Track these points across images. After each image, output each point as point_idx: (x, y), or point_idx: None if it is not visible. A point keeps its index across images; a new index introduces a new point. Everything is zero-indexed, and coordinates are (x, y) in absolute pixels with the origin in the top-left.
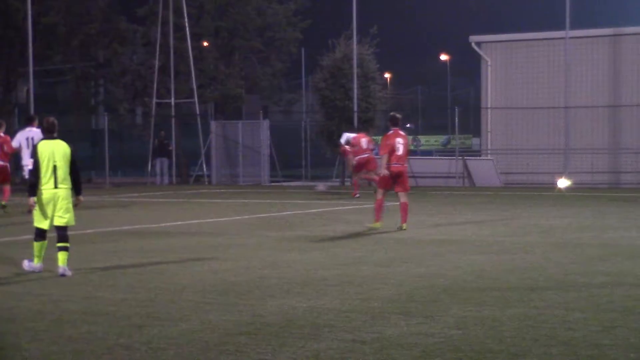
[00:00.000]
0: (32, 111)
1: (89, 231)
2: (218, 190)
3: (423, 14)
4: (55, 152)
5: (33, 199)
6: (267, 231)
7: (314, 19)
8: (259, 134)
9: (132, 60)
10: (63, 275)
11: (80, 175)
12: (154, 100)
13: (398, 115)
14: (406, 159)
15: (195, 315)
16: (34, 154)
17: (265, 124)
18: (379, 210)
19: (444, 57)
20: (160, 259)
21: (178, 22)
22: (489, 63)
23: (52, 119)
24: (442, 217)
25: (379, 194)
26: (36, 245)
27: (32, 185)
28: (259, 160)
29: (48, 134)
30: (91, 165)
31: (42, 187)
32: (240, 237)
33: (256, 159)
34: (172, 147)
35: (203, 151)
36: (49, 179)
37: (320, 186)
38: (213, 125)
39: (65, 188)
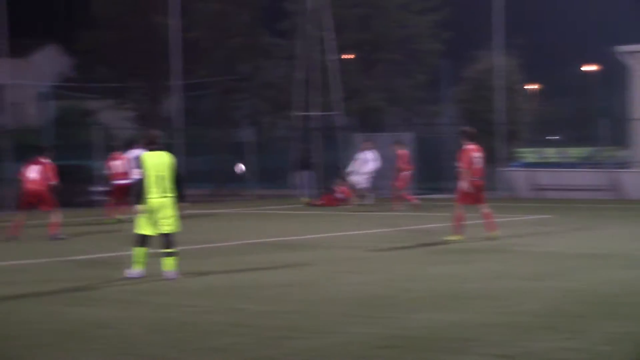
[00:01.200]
0: (177, 124)
1: (234, 243)
2: (360, 203)
3: (566, 24)
4: (160, 163)
5: (139, 207)
6: (410, 243)
7: (455, 30)
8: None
9: (275, 73)
10: (171, 279)
11: (182, 185)
12: (297, 113)
13: (473, 130)
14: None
15: (340, 328)
16: (141, 165)
17: (408, 137)
18: (459, 222)
19: (588, 67)
20: (303, 272)
21: (320, 36)
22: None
23: (156, 131)
24: (589, 231)
25: (459, 209)
26: (138, 250)
27: (138, 194)
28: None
29: (152, 146)
30: (233, 178)
31: (149, 197)
32: (382, 250)
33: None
34: (314, 159)
35: (345, 164)
36: (155, 188)
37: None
38: (356, 137)
39: (171, 197)
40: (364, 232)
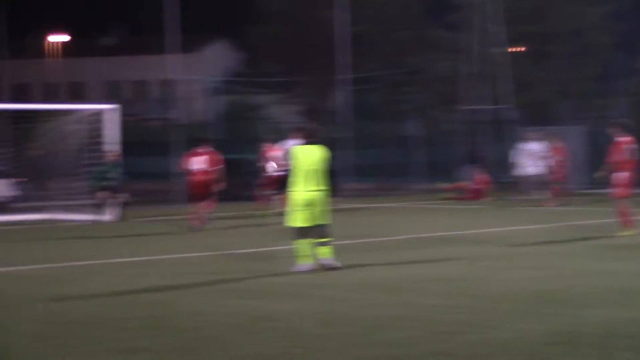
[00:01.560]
0: (343, 119)
1: (399, 237)
2: (530, 198)
3: None
4: (313, 156)
5: (284, 197)
6: (573, 238)
7: (629, 22)
8: (573, 140)
9: (443, 66)
10: (329, 266)
11: (334, 179)
12: (465, 106)
13: (627, 122)
14: None
15: (510, 323)
16: (292, 158)
17: (577, 130)
18: (627, 216)
19: None
20: (469, 266)
21: (490, 28)
22: None
23: (314, 125)
24: None
25: (622, 203)
26: (300, 244)
27: (286, 186)
28: (573, 166)
29: (309, 139)
30: (400, 172)
31: (301, 190)
32: (550, 245)
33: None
34: (483, 154)
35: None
36: (307, 181)
37: None
38: (527, 131)
39: (321, 190)
40: (527, 227)
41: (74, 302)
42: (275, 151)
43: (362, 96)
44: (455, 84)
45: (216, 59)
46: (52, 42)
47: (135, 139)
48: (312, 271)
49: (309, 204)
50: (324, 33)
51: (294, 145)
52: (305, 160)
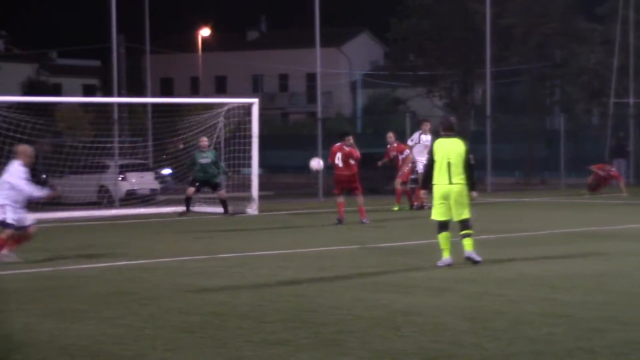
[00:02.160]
0: (488, 112)
1: (541, 232)
2: None
3: None
4: (450, 150)
5: (424, 192)
6: None
7: None
8: None
9: (590, 59)
10: (472, 259)
11: (473, 173)
12: (612, 100)
13: None
14: None
15: None
16: (430, 151)
17: None
18: None
19: None
20: (614, 262)
21: (638, 19)
22: None
23: (451, 118)
24: None
25: None
26: (440, 237)
27: (425, 179)
28: None
29: (447, 132)
30: (545, 166)
31: (438, 183)
32: None
33: None
34: (630, 148)
35: None
36: (444, 174)
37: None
38: None
39: (459, 184)
40: None
41: (217, 294)
42: (403, 146)
43: (506, 90)
44: (603, 78)
45: (359, 53)
46: (196, 36)
47: (278, 133)
48: (453, 265)
49: (447, 198)
50: (468, 26)
51: (423, 137)
52: (444, 153)
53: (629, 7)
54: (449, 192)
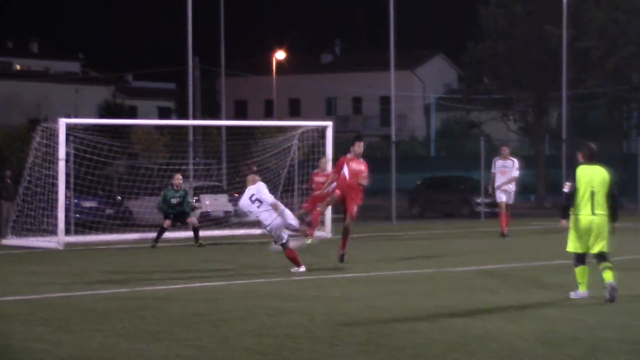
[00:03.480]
0: (563, 136)
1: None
2: None
3: None
4: (593, 178)
5: (565, 222)
6: None
7: None
8: None
9: None
10: (612, 290)
11: (617, 202)
12: None
13: None
14: None
15: None
16: (572, 178)
17: None
18: None
19: None
20: None
21: None
22: None
23: (592, 145)
24: None
25: None
26: (577, 271)
27: (565, 208)
28: None
29: (587, 160)
30: (622, 191)
31: (579, 214)
32: None
33: None
34: None
35: None
36: (586, 204)
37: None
38: None
39: (601, 214)
40: None
41: (291, 316)
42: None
43: (582, 113)
44: None
45: (433, 76)
46: (271, 59)
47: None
48: (585, 298)
49: (589, 230)
50: (544, 49)
51: (499, 162)
52: (587, 181)
53: None
54: (590, 223)
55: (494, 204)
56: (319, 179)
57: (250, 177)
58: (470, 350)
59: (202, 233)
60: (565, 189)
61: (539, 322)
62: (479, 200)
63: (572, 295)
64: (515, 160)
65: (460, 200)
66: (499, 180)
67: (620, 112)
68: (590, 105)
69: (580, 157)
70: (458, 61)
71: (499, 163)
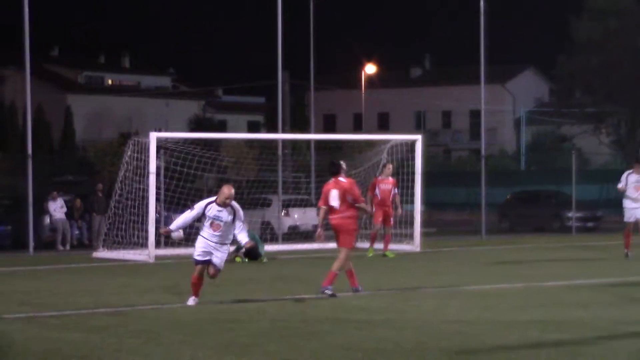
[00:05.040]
0: None
1: None
2: None
3: None
4: None
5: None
6: None
7: None
8: None
9: None
10: None
11: None
12: None
13: None
14: None
15: None
16: None
17: None
18: None
19: None
20: None
21: None
22: None
23: None
24: None
25: None
26: None
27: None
28: None
29: None
30: None
31: None
32: None
33: None
34: None
35: None
36: None
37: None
38: None
39: None
40: None
41: (379, 330)
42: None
43: None
44: None
45: (524, 89)
46: (360, 73)
47: (441, 169)
48: None
49: None
50: (638, 63)
51: (632, 178)
52: None
53: None
54: None
55: (585, 219)
56: (385, 186)
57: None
58: None
59: (291, 247)
60: None
61: (629, 338)
62: (570, 215)
63: None
64: None
65: (551, 214)
66: (633, 194)
67: None
68: None
69: None
70: (549, 75)
71: (632, 178)
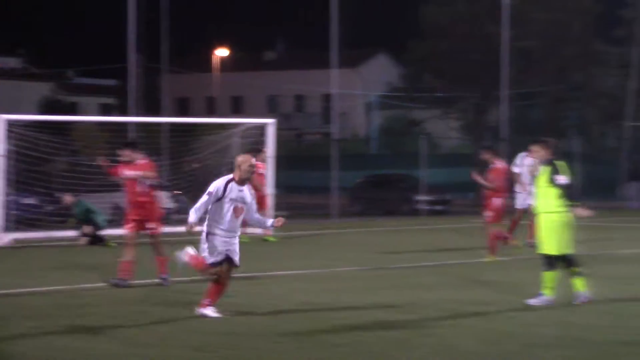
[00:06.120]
0: (503, 134)
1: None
2: None
3: None
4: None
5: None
6: None
7: None
8: None
9: (607, 82)
10: (581, 301)
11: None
12: (629, 123)
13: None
14: None
15: None
16: (539, 176)
17: None
18: None
19: None
20: (630, 286)
21: None
22: None
23: (553, 139)
24: None
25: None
26: (545, 275)
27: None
28: None
29: (553, 155)
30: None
31: (547, 211)
32: None
33: None
34: None
35: None
36: (552, 202)
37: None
38: None
39: (564, 212)
40: None
41: (234, 314)
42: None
43: (524, 112)
44: (620, 100)
45: (376, 74)
46: (214, 57)
47: (294, 153)
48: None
49: (555, 228)
50: (486, 48)
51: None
52: (548, 178)
53: None
54: (557, 221)
55: (434, 202)
56: (260, 171)
57: None
58: (407, 347)
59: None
60: (563, 181)
61: (476, 318)
62: (419, 198)
63: (530, 301)
64: None
65: (400, 197)
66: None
67: (560, 112)
68: (531, 104)
69: (549, 152)
70: (400, 60)
71: (528, 161)
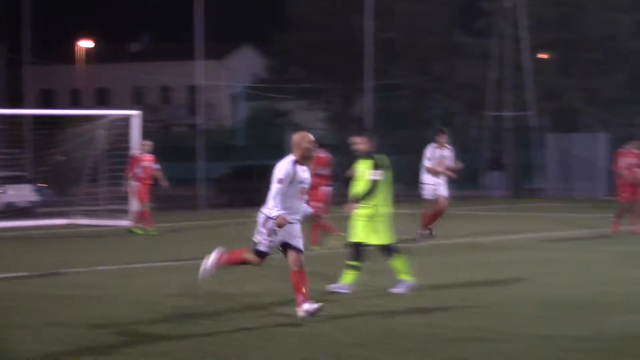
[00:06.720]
0: (368, 125)
1: (427, 243)
2: (552, 204)
3: None
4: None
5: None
6: (605, 246)
7: None
8: (596, 148)
9: (469, 73)
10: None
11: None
12: (489, 113)
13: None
14: None
15: (531, 330)
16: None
17: (602, 137)
18: None
19: None
20: (494, 273)
21: (516, 35)
22: None
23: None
24: None
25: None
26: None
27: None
28: (595, 174)
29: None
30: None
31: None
32: (576, 252)
33: (592, 173)
34: (506, 160)
35: (538, 164)
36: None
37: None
38: (549, 138)
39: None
40: (559, 233)
41: (98, 307)
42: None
43: (388, 103)
44: (481, 91)
45: (242, 66)
46: (78, 48)
47: (160, 145)
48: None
49: (368, 219)
50: (351, 40)
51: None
52: (366, 171)
53: (505, 22)
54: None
55: None
56: (147, 163)
57: None
58: (306, 340)
59: (7, 224)
60: (375, 177)
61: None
62: None
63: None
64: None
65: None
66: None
67: (424, 102)
68: (396, 95)
69: (371, 145)
70: (266, 51)
71: (436, 153)
